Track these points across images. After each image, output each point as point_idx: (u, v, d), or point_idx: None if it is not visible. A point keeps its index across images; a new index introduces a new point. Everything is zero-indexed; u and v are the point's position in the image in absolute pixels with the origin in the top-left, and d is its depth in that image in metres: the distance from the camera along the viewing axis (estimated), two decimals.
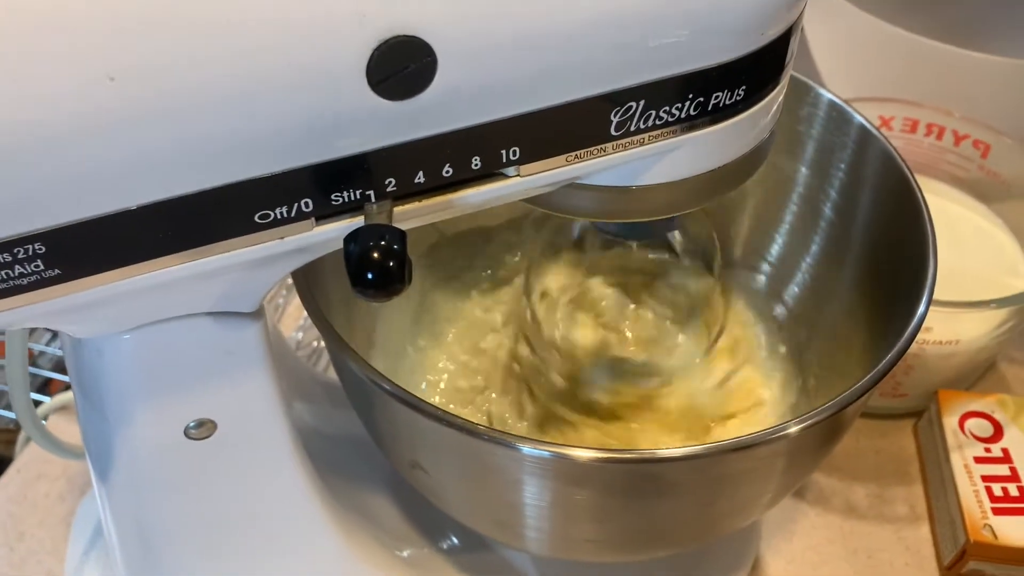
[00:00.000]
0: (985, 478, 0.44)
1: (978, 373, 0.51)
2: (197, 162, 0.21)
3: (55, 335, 0.65)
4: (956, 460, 0.45)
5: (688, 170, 0.28)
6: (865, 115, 0.52)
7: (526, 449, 0.29)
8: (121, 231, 0.22)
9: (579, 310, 0.41)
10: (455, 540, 0.42)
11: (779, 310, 0.44)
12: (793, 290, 0.43)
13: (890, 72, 0.56)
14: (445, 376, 0.45)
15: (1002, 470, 0.45)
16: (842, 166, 0.40)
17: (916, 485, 0.49)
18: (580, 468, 0.30)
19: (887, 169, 0.37)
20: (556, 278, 0.42)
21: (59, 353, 0.66)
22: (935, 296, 0.41)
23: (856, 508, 0.48)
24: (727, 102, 0.26)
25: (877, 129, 0.38)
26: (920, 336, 0.45)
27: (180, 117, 0.20)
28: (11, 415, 0.67)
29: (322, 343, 0.57)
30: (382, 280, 0.22)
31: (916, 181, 0.36)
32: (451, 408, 0.43)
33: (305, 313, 0.56)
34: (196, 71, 0.20)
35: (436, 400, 0.43)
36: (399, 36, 0.21)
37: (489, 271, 0.47)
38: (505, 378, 0.44)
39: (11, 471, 0.51)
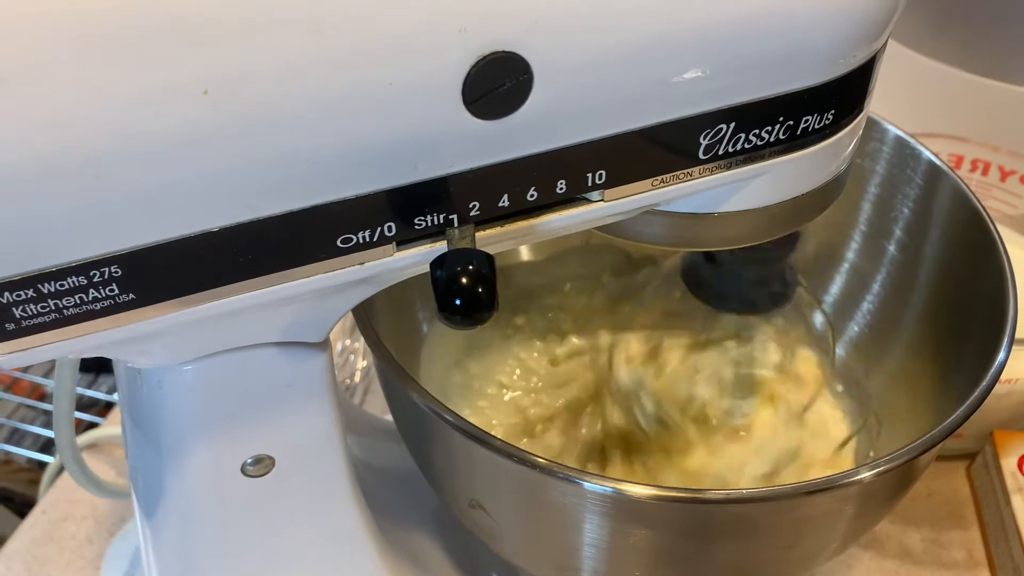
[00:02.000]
0: None
1: None
2: (285, 182, 0.20)
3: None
4: (1017, 503, 0.44)
5: (770, 197, 0.27)
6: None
7: (590, 485, 0.28)
8: (201, 254, 0.21)
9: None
10: None
11: (840, 349, 0.43)
12: (854, 328, 0.42)
13: (933, 107, 0.55)
14: (488, 410, 0.44)
15: None
16: (909, 203, 0.39)
17: (972, 529, 0.47)
18: (643, 506, 0.29)
19: (958, 206, 0.37)
20: (637, 343, 0.42)
21: (82, 391, 0.65)
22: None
23: (912, 553, 0.46)
24: (816, 126, 0.25)
25: (947, 165, 0.38)
26: None
27: (272, 133, 0.19)
28: (35, 455, 0.65)
29: (355, 379, 0.56)
30: (470, 306, 0.21)
31: (991, 219, 0.35)
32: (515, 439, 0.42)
33: (339, 348, 0.55)
34: (290, 85, 0.19)
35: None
36: (498, 52, 0.20)
37: (525, 316, 0.46)
38: (562, 417, 0.43)
39: (36, 512, 0.49)
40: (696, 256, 0.39)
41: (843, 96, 0.25)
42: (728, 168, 0.25)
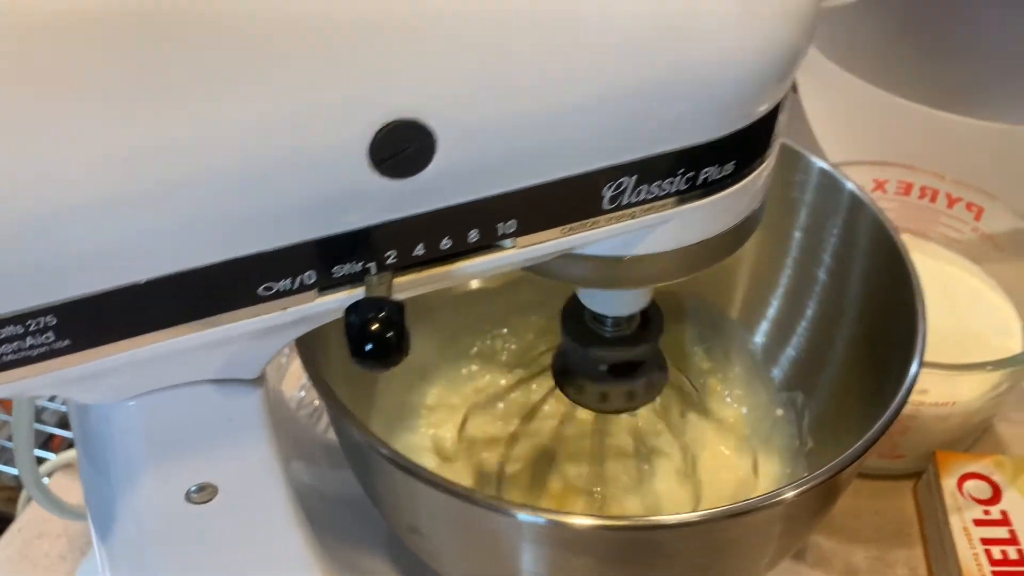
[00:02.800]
0: (984, 541, 0.44)
1: (976, 434, 0.51)
2: (205, 239, 0.22)
3: None
4: (955, 523, 0.45)
5: (680, 241, 0.29)
6: (859, 179, 0.53)
7: (523, 516, 0.30)
8: (130, 303, 0.22)
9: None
10: None
11: (776, 372, 0.44)
12: (790, 353, 0.44)
13: (884, 137, 0.57)
14: (448, 435, 0.45)
15: (1001, 533, 0.45)
16: (835, 231, 0.41)
17: (916, 547, 0.48)
18: (577, 535, 0.30)
19: (877, 235, 0.38)
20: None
21: (63, 409, 0.67)
22: (932, 359, 0.42)
23: (857, 571, 0.48)
24: (716, 177, 0.27)
25: (868, 196, 0.39)
26: (916, 398, 0.45)
27: (191, 197, 0.21)
28: (14, 471, 0.67)
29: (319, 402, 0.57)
30: (381, 351, 0.23)
31: (904, 247, 0.37)
32: (457, 466, 0.43)
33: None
34: (207, 154, 0.21)
35: (436, 460, 0.44)
36: (400, 120, 0.21)
37: (490, 340, 0.47)
38: (510, 442, 0.44)
39: (12, 530, 0.51)
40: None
41: (742, 148, 0.26)
42: (634, 216, 0.27)
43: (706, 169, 0.26)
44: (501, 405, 0.45)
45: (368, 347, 0.23)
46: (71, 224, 0.20)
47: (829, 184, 0.40)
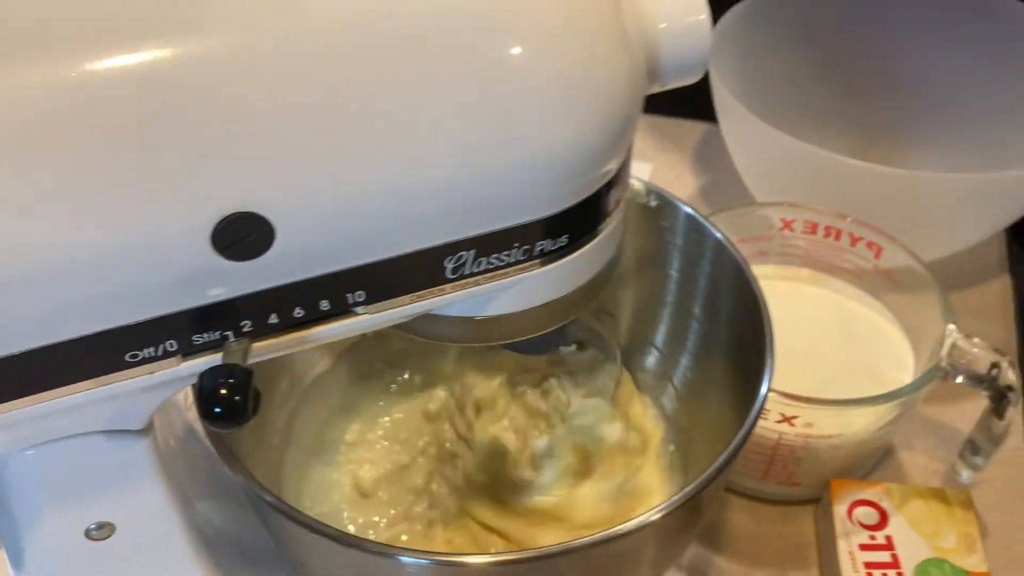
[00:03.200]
0: (868, 564, 0.47)
1: (872, 461, 0.54)
2: (71, 316, 0.25)
3: None
4: (842, 547, 0.48)
5: (531, 301, 0.32)
6: (770, 215, 0.56)
7: (407, 559, 0.33)
8: (6, 371, 0.25)
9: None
10: None
11: (668, 405, 0.47)
12: (676, 385, 0.47)
13: (795, 178, 0.60)
14: (365, 467, 0.48)
15: (884, 557, 0.47)
16: (704, 271, 0.44)
17: (813, 569, 0.51)
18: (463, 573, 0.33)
19: (738, 277, 0.41)
20: (483, 388, 0.46)
21: None
22: (827, 392, 0.45)
23: None
24: (552, 248, 0.30)
25: (728, 241, 0.42)
26: (803, 431, 0.48)
27: (57, 286, 0.24)
28: None
29: None
30: (228, 413, 0.26)
31: (760, 290, 0.40)
32: (368, 502, 0.46)
33: None
34: (71, 249, 0.24)
35: (356, 495, 0.46)
36: (238, 213, 0.24)
37: (406, 374, 0.50)
38: (422, 475, 0.47)
39: None
40: None
41: (572, 224, 0.29)
42: (478, 284, 0.30)
43: (540, 242, 0.29)
44: (421, 443, 0.47)
45: (217, 410, 0.26)
46: None
47: (697, 230, 0.43)
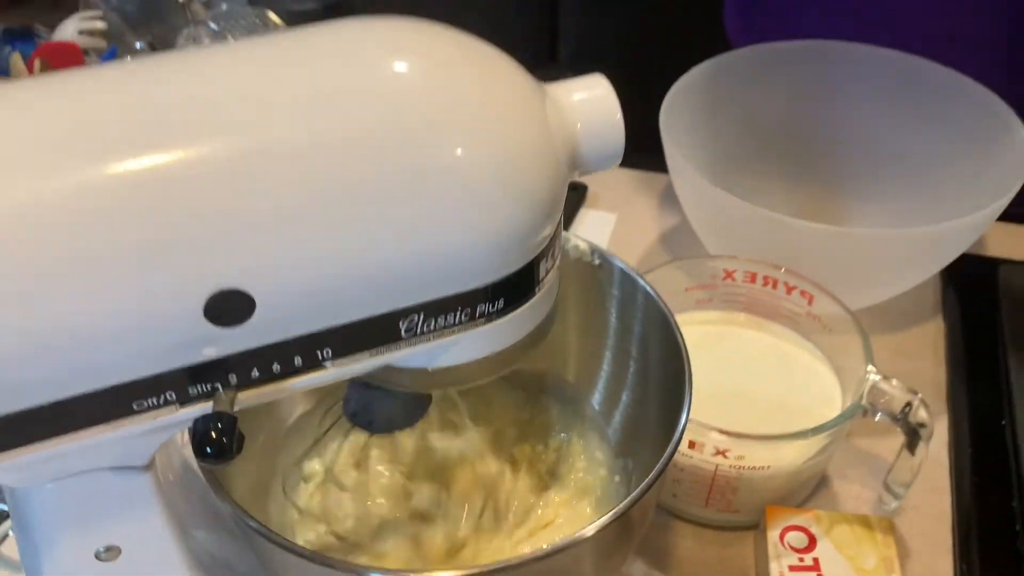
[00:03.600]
0: None
1: (807, 490, 0.59)
2: (90, 375, 0.31)
3: None
4: (774, 568, 0.53)
5: (476, 354, 0.38)
6: (714, 266, 0.62)
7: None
8: (30, 420, 0.31)
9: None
10: None
11: (613, 438, 0.53)
12: (618, 423, 0.52)
13: (740, 233, 0.66)
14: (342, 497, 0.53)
15: None
16: (638, 319, 0.50)
17: None
18: None
19: (664, 326, 0.47)
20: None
21: None
22: (761, 428, 0.51)
23: None
24: (491, 310, 0.35)
25: (655, 292, 0.48)
26: (736, 463, 0.54)
27: (78, 352, 0.30)
28: None
29: None
30: (217, 452, 0.31)
31: (681, 336, 0.46)
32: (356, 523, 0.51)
33: None
34: (91, 325, 0.29)
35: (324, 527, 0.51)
36: (226, 290, 0.30)
37: None
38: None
39: None
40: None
41: (507, 290, 0.35)
42: (429, 340, 0.35)
43: (480, 306, 0.35)
44: (381, 468, 0.53)
45: (208, 450, 0.31)
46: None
47: (630, 283, 0.49)
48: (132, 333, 0.30)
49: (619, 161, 0.38)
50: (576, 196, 0.85)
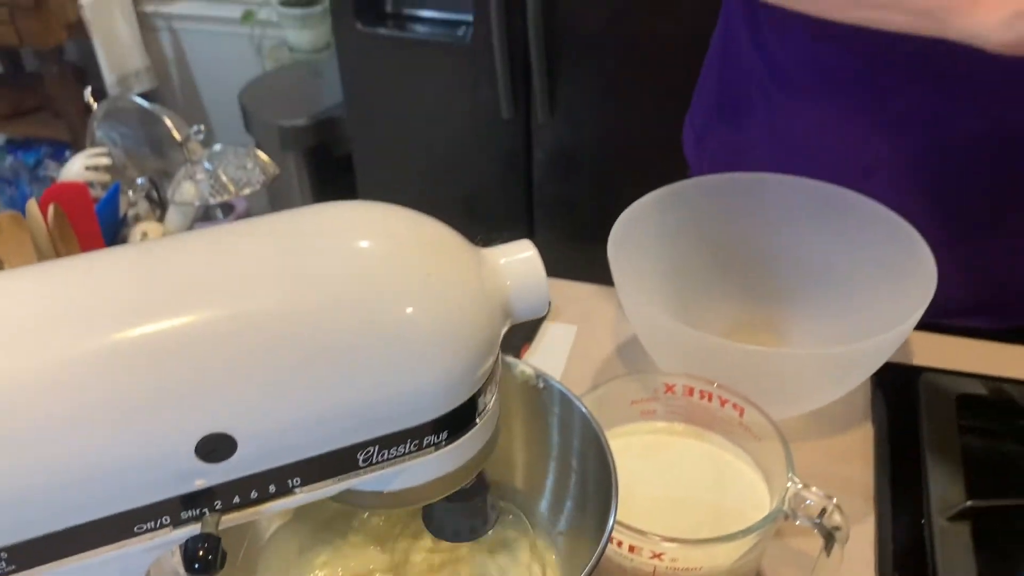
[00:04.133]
0: None
1: None
2: (96, 505, 0.37)
3: None
4: None
5: (428, 477, 0.44)
6: (656, 381, 0.69)
7: None
8: (42, 544, 0.37)
9: None
10: None
11: (559, 542, 0.59)
12: (563, 528, 0.59)
13: (680, 351, 0.73)
14: None
15: None
16: (576, 434, 0.56)
17: None
18: None
19: (596, 442, 0.54)
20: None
21: None
22: (694, 532, 0.57)
23: None
24: (436, 441, 0.42)
25: (590, 413, 0.55)
26: (670, 564, 0.60)
27: (89, 489, 0.36)
28: None
29: None
30: (204, 568, 0.38)
31: (609, 450, 0.52)
32: None
33: None
34: (103, 465, 0.36)
35: None
36: (213, 433, 0.37)
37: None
38: None
39: None
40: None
41: (450, 423, 0.42)
42: (384, 468, 0.42)
43: (427, 437, 0.42)
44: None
45: (196, 565, 0.37)
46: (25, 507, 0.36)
47: (568, 403, 0.56)
48: (138, 471, 0.37)
49: (546, 311, 0.45)
50: None
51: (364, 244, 0.41)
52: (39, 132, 2.84)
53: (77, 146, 2.75)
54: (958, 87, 0.77)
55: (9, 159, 2.80)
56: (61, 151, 2.85)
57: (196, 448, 0.37)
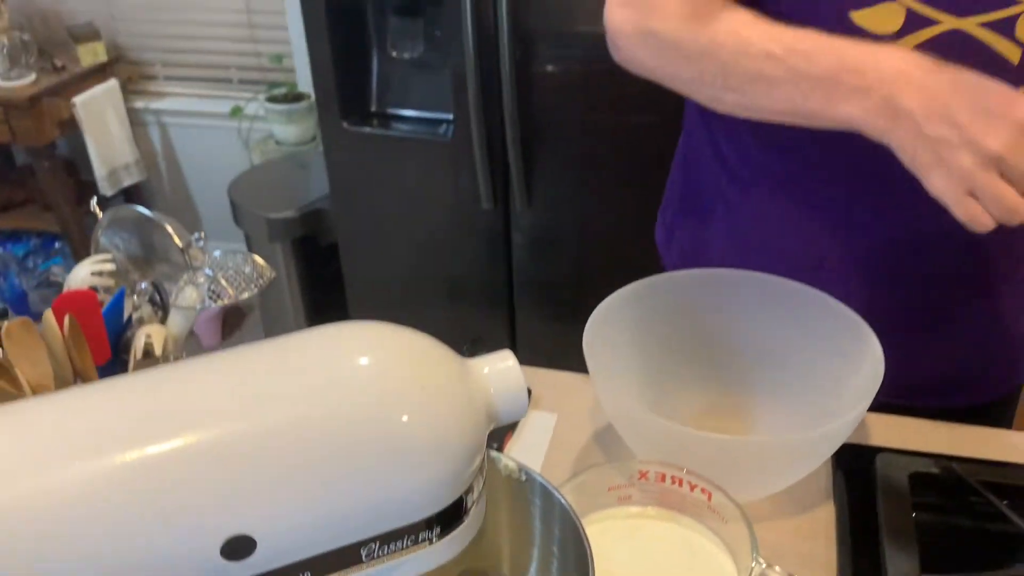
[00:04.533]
0: None
1: None
2: None
3: None
4: None
5: (426, 566, 0.49)
6: (631, 468, 0.74)
7: None
8: None
9: None
10: None
11: None
12: None
13: (652, 439, 0.79)
14: None
15: None
16: (556, 522, 0.61)
17: None
18: None
19: (574, 529, 0.59)
20: None
21: None
22: None
23: None
24: (429, 536, 0.48)
25: (569, 504, 0.60)
26: None
27: None
28: None
29: None
30: None
31: (587, 539, 0.58)
32: None
33: None
34: (127, 570, 0.41)
35: None
36: (235, 535, 0.42)
37: None
38: None
39: None
40: None
41: (442, 521, 0.47)
42: (384, 561, 0.47)
43: (422, 533, 0.47)
44: None
45: None
46: None
47: (548, 495, 0.62)
48: (173, 569, 0.42)
49: (525, 413, 0.51)
50: None
51: (364, 361, 0.47)
52: (29, 224, 2.91)
53: (67, 238, 2.81)
54: (891, 189, 0.85)
55: None
56: (50, 243, 2.91)
57: (221, 548, 0.42)
